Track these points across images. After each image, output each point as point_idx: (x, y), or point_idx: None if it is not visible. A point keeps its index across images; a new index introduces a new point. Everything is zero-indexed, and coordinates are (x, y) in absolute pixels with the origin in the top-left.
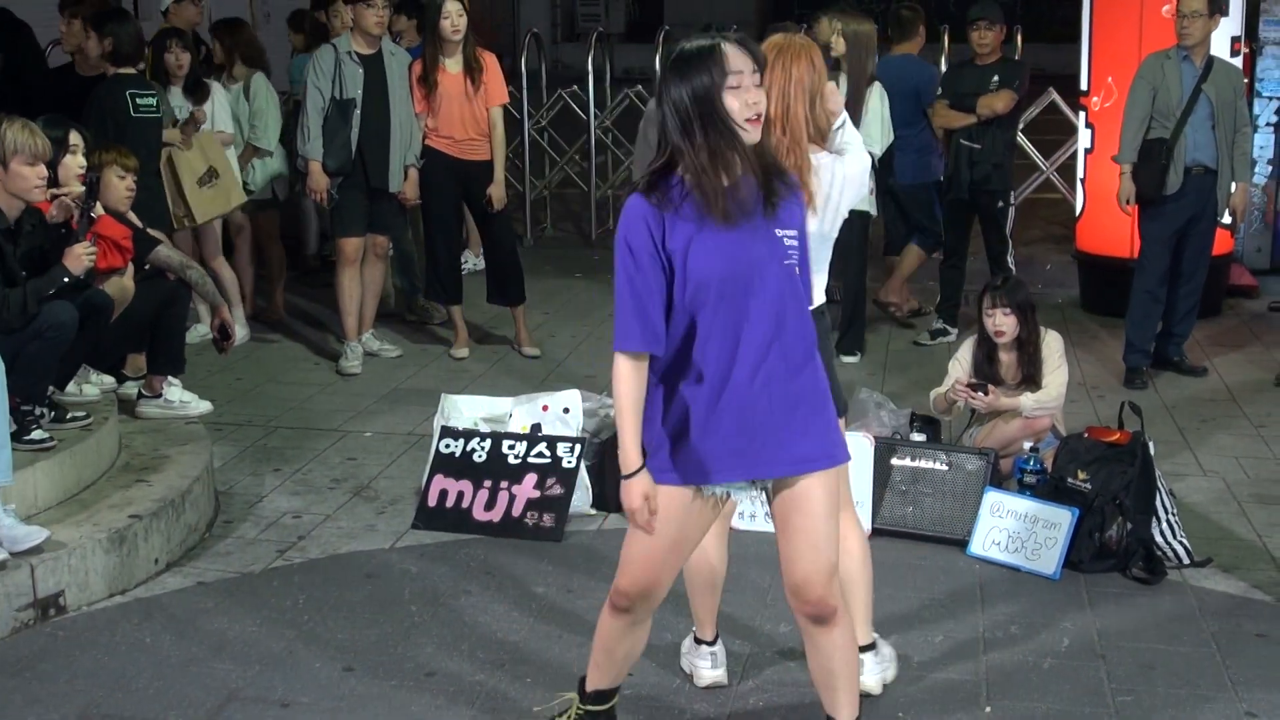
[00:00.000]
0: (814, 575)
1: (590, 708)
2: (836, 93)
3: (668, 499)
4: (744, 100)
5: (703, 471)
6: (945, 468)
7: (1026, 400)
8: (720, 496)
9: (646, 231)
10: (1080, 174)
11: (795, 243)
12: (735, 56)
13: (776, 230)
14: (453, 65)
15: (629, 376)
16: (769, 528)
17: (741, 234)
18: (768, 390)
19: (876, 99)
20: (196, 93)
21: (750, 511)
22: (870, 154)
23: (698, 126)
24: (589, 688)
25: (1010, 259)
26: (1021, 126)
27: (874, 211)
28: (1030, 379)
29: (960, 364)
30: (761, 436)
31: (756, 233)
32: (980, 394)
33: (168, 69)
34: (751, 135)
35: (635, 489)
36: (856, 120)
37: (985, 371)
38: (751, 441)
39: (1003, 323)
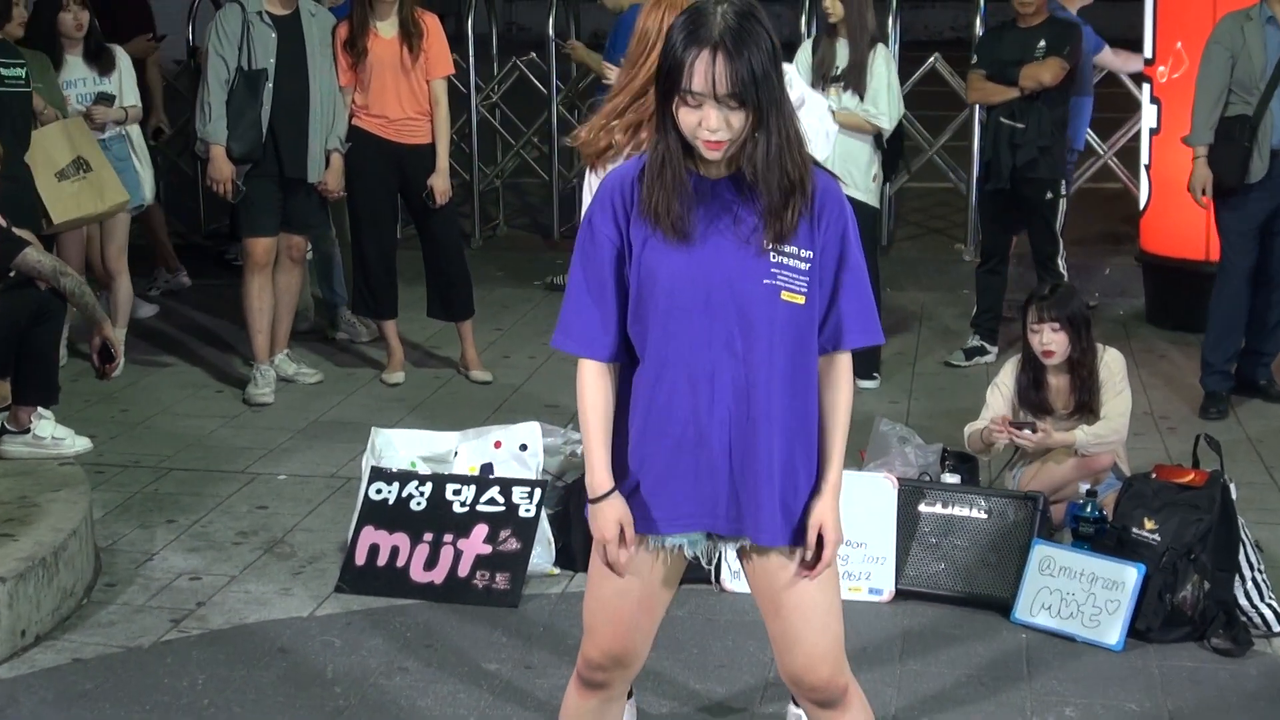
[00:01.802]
0: (816, 659)
1: None
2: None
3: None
4: (699, 120)
5: (650, 519)
6: (984, 515)
7: (1082, 435)
8: (672, 550)
9: (614, 210)
10: (1145, 159)
11: (800, 265)
12: (702, 76)
13: (770, 244)
14: (386, 29)
15: (592, 383)
16: None
17: (709, 241)
18: (729, 433)
19: (882, 62)
20: (100, 60)
21: (736, 567)
22: (878, 127)
23: (660, 119)
24: None
25: (1061, 262)
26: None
27: (876, 203)
28: (1086, 407)
29: (1001, 391)
30: (720, 487)
31: (734, 242)
32: (1027, 431)
33: (63, 31)
34: (710, 155)
35: (608, 514)
36: (861, 88)
37: (1031, 398)
38: (711, 491)
39: (1051, 340)
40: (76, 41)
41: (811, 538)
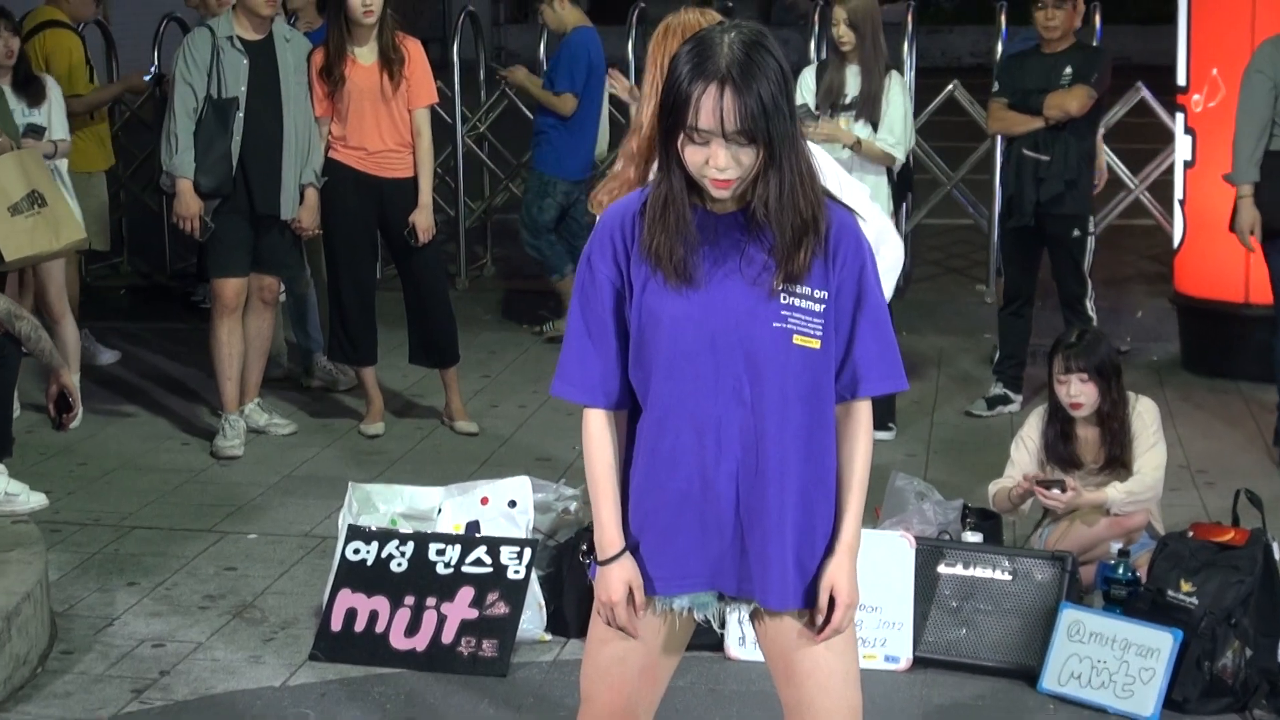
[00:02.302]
0: None
1: None
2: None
3: None
4: (705, 158)
5: (652, 579)
6: (1008, 577)
7: (1114, 493)
8: (680, 613)
9: (613, 248)
10: (1179, 194)
11: (814, 306)
12: (709, 112)
13: (781, 285)
14: (365, 55)
15: (599, 434)
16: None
17: (715, 282)
18: (737, 486)
19: (898, 90)
20: (30, 90)
21: (739, 635)
22: (893, 157)
23: (663, 156)
24: None
25: (1090, 304)
26: (1102, 132)
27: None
28: (1117, 461)
29: (1027, 445)
30: (728, 545)
31: (741, 283)
32: (1056, 491)
33: None
34: (718, 194)
35: (616, 577)
36: (875, 117)
37: (1059, 452)
38: (718, 548)
39: (1079, 392)
40: (5, 70)
41: (823, 600)
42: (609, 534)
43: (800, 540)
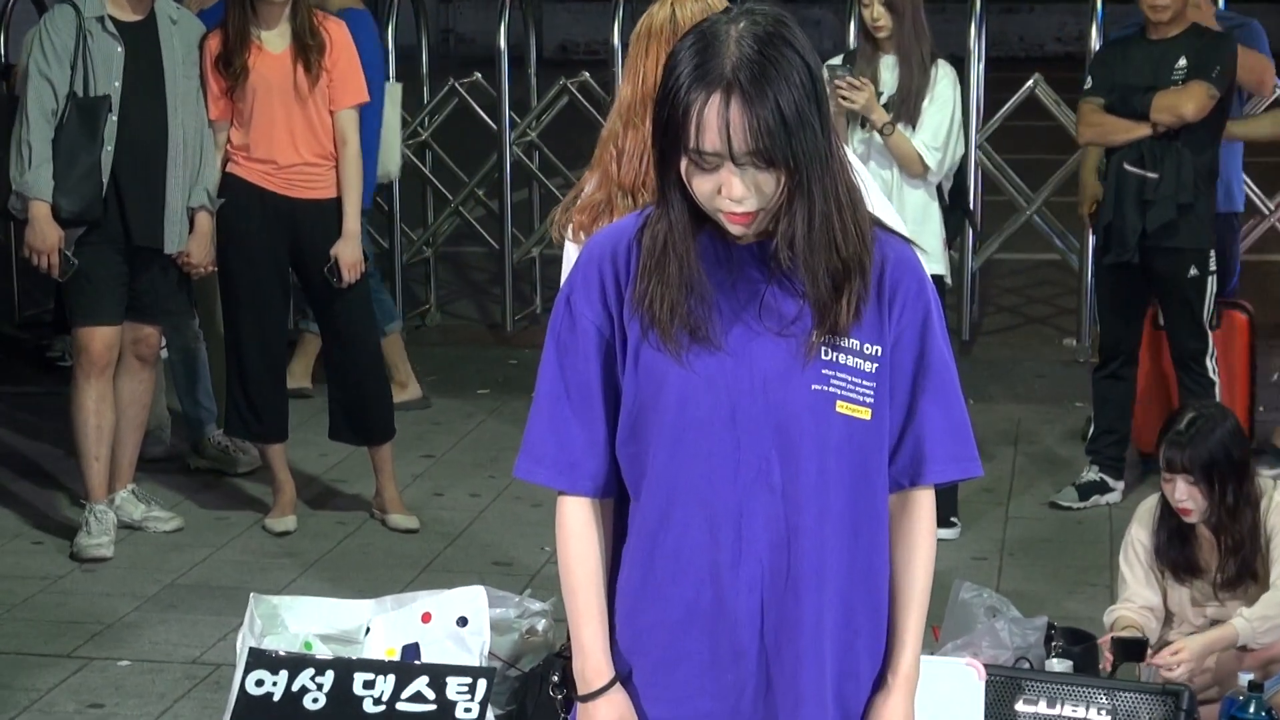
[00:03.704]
0: None
1: None
2: None
3: None
4: (717, 186)
5: (649, 719)
6: (1107, 719)
7: (1242, 624)
8: None
9: (602, 286)
10: None
11: (865, 365)
12: (714, 131)
13: (823, 340)
14: (274, 40)
15: (579, 529)
16: None
17: (734, 334)
18: (761, 598)
19: (946, 84)
20: None
21: None
22: (923, 163)
23: (660, 186)
24: None
25: (1211, 364)
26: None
27: (948, 276)
28: (1247, 572)
29: (1137, 552)
30: (747, 675)
31: (769, 336)
32: (1167, 657)
33: None
34: (736, 230)
35: (605, 716)
36: (914, 119)
37: (1174, 558)
38: (734, 679)
39: (1186, 495)
40: None
41: None
42: (593, 660)
43: (842, 669)
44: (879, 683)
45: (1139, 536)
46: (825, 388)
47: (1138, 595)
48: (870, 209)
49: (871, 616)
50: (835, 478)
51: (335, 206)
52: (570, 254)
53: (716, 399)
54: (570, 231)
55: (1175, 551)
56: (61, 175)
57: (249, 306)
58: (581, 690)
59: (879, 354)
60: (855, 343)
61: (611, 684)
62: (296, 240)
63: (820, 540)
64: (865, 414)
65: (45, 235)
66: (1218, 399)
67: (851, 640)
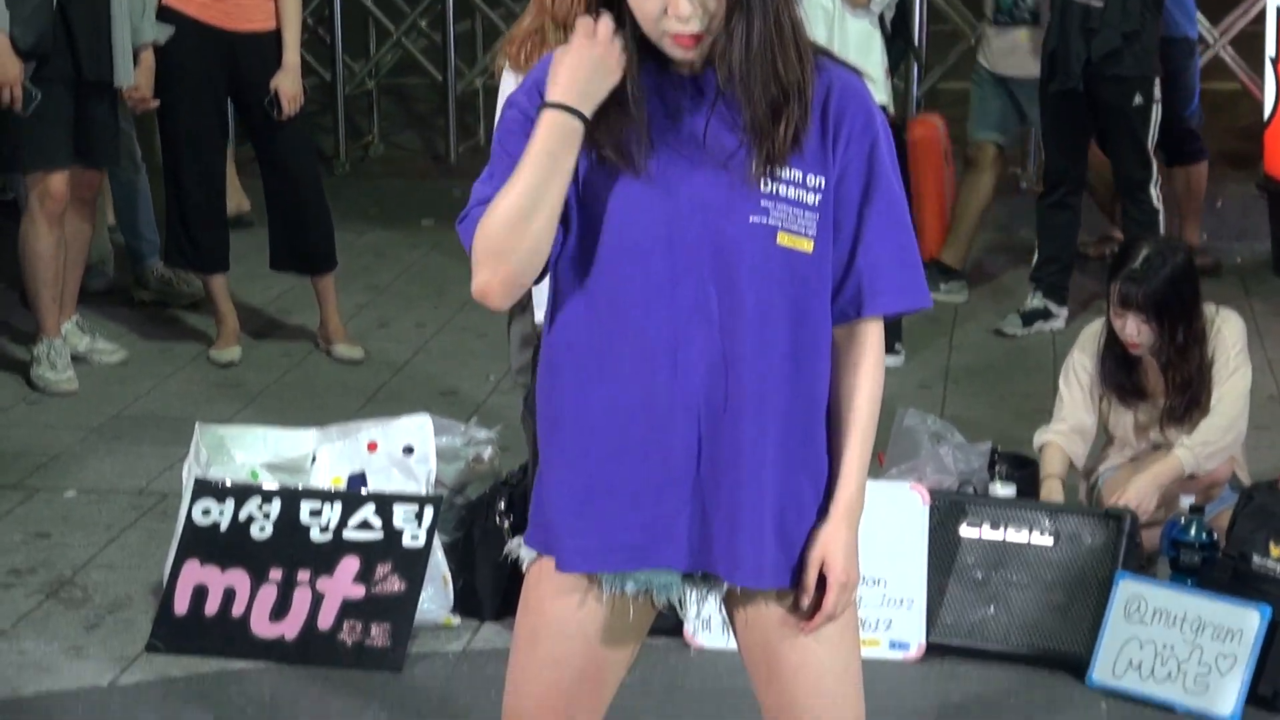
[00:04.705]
0: None
1: None
2: None
3: (559, 595)
4: (663, 7)
5: (575, 552)
6: (1049, 541)
7: (1184, 454)
8: (634, 595)
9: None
10: (1271, 50)
11: (807, 196)
12: None
13: (761, 169)
14: None
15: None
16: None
17: (676, 164)
18: (699, 428)
19: None
20: None
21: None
22: None
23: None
24: None
25: (1155, 193)
26: None
27: (891, 105)
28: (1195, 406)
29: (1079, 378)
30: (681, 505)
31: (710, 165)
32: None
33: None
34: (681, 55)
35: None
36: None
37: (1119, 381)
38: (669, 510)
39: (1135, 331)
40: None
41: (812, 578)
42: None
43: (783, 501)
44: (822, 512)
45: (1081, 361)
46: (765, 220)
47: (1071, 416)
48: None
49: (814, 449)
50: (775, 310)
51: (274, 39)
52: (507, 84)
53: (654, 228)
54: (507, 61)
55: (1121, 377)
56: (15, 5)
57: (188, 139)
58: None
59: (821, 185)
60: (797, 174)
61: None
62: (236, 73)
63: (759, 372)
64: (807, 246)
65: (6, 67)
66: (1161, 228)
67: (793, 472)
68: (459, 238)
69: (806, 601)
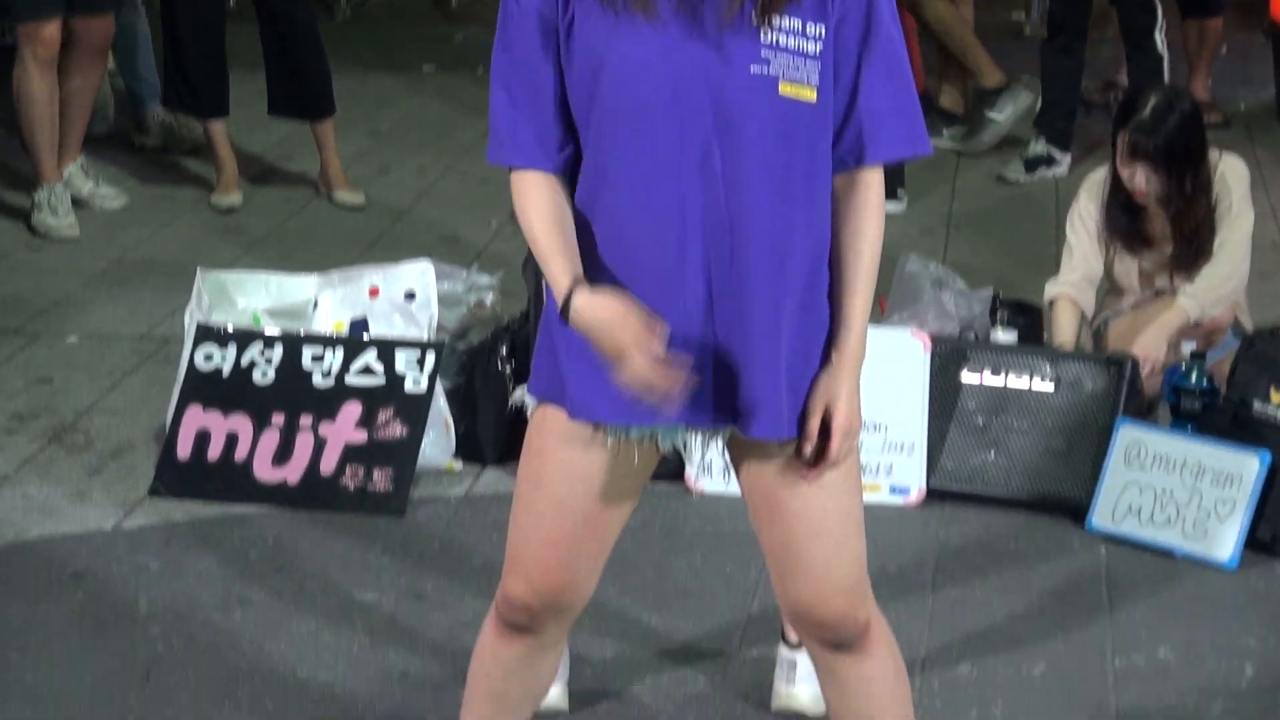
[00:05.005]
0: (829, 588)
1: None
2: None
3: (565, 440)
4: None
5: (592, 404)
6: (1050, 387)
7: (1188, 302)
8: (638, 441)
9: None
10: None
11: (808, 45)
12: None
13: (760, 17)
14: None
15: (533, 195)
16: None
17: (675, 15)
18: (708, 284)
19: None
20: None
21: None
22: None
23: None
24: None
25: (1159, 38)
26: None
27: None
28: (1196, 248)
29: (1085, 224)
30: (694, 357)
31: (708, 17)
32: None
33: None
34: None
35: (599, 307)
36: None
37: (1123, 228)
38: (679, 364)
39: (1144, 180)
40: None
41: (814, 425)
42: (560, 278)
43: (792, 349)
44: (824, 360)
45: (1087, 208)
46: (765, 70)
47: (1083, 265)
48: None
49: (818, 298)
50: (778, 161)
51: None
52: None
53: (656, 84)
54: None
55: (1126, 223)
56: None
57: None
58: (563, 309)
59: (821, 34)
60: (796, 22)
61: (575, 285)
62: None
63: (765, 225)
64: (810, 95)
65: None
66: (1166, 74)
67: (800, 322)
68: (490, 156)
69: (809, 449)
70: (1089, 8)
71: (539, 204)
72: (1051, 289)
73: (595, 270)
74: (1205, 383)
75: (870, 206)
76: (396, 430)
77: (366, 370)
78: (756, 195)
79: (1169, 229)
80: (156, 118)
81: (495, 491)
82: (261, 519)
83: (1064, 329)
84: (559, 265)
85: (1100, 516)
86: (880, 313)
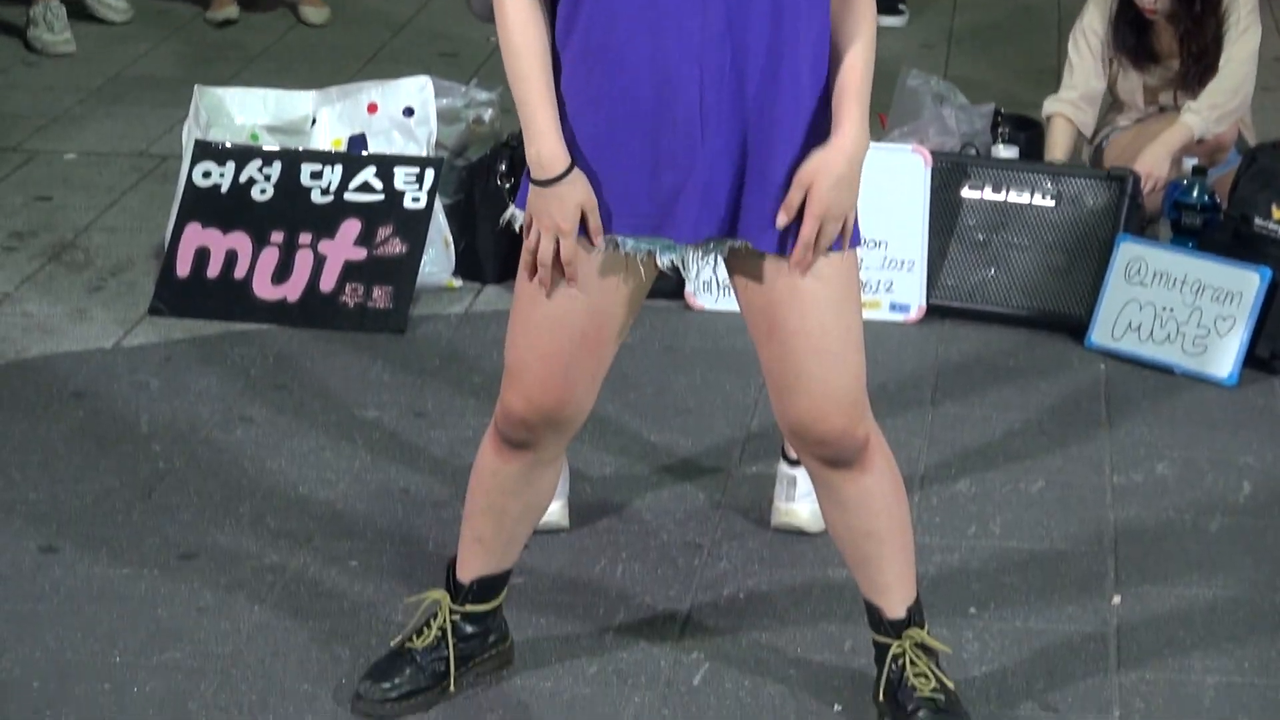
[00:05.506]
0: (828, 403)
1: (469, 608)
2: None
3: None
4: None
5: (606, 216)
6: (1051, 203)
7: (1193, 119)
8: (635, 256)
9: None
10: None
11: None
12: None
13: None
14: None
15: (517, 13)
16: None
17: None
18: (703, 96)
19: None
20: None
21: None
22: None
23: None
24: (463, 576)
25: None
26: None
27: None
28: (1204, 66)
29: (1088, 40)
30: (688, 174)
31: None
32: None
33: None
34: None
35: (565, 199)
36: None
37: (1129, 44)
38: (672, 179)
39: None
40: None
41: (794, 197)
42: (549, 145)
43: (797, 161)
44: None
45: (1093, 24)
46: None
47: (1082, 83)
48: None
49: (821, 109)
50: None
51: None
52: None
53: None
54: None
55: (1133, 39)
56: None
57: None
58: (539, 176)
59: None
60: None
61: (570, 169)
62: None
63: (766, 39)
64: None
65: None
66: None
67: (803, 133)
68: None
69: (784, 220)
70: None
71: (527, 36)
72: (1050, 105)
73: (593, 80)
74: (1206, 198)
75: (862, 14)
76: (396, 247)
77: (365, 187)
78: (757, 7)
79: (1176, 46)
80: None
81: (495, 308)
82: (262, 336)
83: (1058, 146)
84: (547, 124)
85: (1100, 333)
86: (881, 129)
